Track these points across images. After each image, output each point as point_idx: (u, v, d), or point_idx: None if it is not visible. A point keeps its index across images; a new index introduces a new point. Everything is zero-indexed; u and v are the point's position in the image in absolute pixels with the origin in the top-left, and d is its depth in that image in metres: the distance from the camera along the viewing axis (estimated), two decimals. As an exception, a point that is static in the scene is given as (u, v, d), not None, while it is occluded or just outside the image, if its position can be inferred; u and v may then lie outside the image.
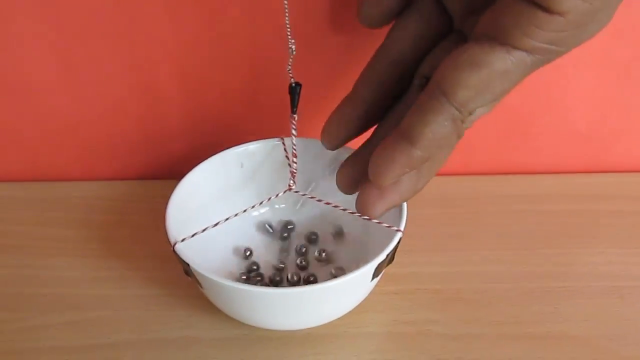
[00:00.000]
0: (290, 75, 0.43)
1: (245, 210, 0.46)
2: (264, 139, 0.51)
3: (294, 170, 0.46)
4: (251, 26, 0.52)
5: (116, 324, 0.47)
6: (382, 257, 0.41)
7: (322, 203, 0.45)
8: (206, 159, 0.50)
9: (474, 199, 0.58)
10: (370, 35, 0.44)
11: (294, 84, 0.44)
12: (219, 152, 0.50)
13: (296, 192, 0.46)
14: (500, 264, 0.52)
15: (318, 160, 0.51)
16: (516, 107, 0.58)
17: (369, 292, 0.45)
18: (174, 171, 0.58)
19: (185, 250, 0.42)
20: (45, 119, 0.57)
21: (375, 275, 0.42)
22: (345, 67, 0.54)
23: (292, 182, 0.46)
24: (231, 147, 0.51)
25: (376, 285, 0.46)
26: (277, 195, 0.46)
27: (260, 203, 0.47)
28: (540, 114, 0.58)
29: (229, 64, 0.54)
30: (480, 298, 0.49)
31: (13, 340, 0.46)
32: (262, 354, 0.45)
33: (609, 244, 0.53)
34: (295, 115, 0.44)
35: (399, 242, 0.43)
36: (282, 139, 0.50)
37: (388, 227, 0.43)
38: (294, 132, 0.45)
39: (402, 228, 0.43)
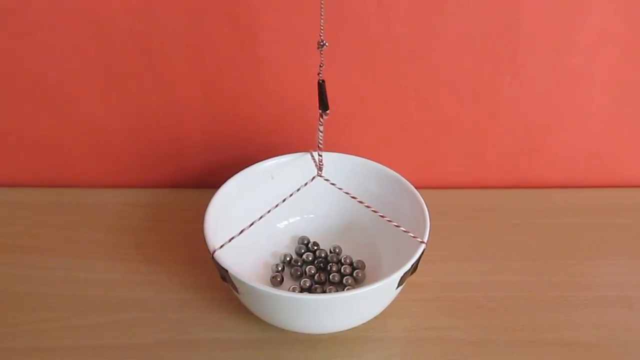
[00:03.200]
0: (320, 71, 0.44)
1: (277, 205, 0.48)
2: (293, 152, 0.54)
3: (321, 163, 0.48)
4: (280, 46, 0.55)
5: (153, 325, 0.49)
6: (407, 267, 0.43)
7: (348, 197, 0.48)
8: (236, 170, 0.52)
9: (491, 211, 0.61)
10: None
11: (320, 81, 0.44)
12: (251, 165, 0.53)
13: (326, 180, 0.49)
14: (516, 273, 0.54)
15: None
16: (530, 126, 0.60)
17: (393, 299, 0.47)
18: (202, 181, 0.61)
19: (223, 258, 0.44)
20: (83, 130, 0.60)
21: (400, 284, 0.44)
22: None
23: (319, 171, 0.48)
24: (261, 160, 0.53)
25: (399, 293, 0.49)
26: (305, 183, 0.49)
27: (291, 195, 0.49)
28: (553, 132, 0.61)
29: (259, 81, 0.57)
30: (497, 306, 0.51)
31: (54, 338, 0.48)
32: (291, 355, 0.47)
33: (619, 255, 0.56)
34: (323, 112, 0.45)
35: (422, 253, 0.45)
36: (311, 152, 0.53)
37: (414, 237, 0.45)
38: (320, 128, 0.47)
39: (425, 240, 0.46)
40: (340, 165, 0.53)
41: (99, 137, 0.61)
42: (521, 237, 0.58)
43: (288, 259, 0.54)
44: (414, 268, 0.45)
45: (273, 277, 0.52)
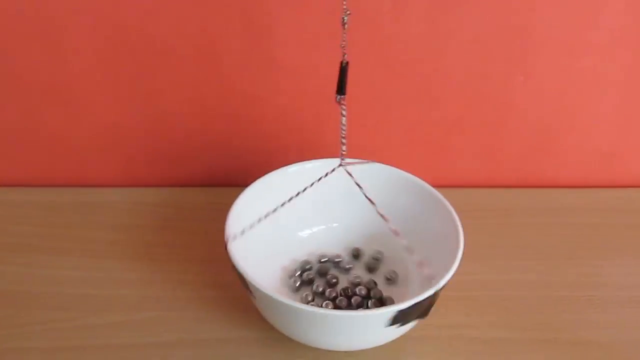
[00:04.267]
0: (343, 51, 0.42)
1: (298, 194, 0.47)
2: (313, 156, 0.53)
3: (344, 152, 0.47)
4: (295, 46, 0.55)
5: (166, 324, 0.49)
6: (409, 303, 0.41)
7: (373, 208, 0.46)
8: (249, 169, 0.53)
9: (502, 210, 0.61)
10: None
11: (344, 63, 0.42)
12: (277, 169, 0.52)
13: (348, 163, 0.47)
14: (529, 273, 0.54)
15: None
16: (541, 125, 0.61)
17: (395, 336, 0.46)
18: (214, 180, 0.62)
19: (243, 265, 0.43)
20: (95, 129, 0.61)
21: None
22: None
23: (343, 155, 0.46)
24: (278, 161, 0.53)
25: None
26: (333, 169, 0.47)
27: (318, 179, 0.48)
28: (564, 132, 0.61)
29: (273, 81, 0.57)
30: (510, 305, 0.51)
31: (69, 337, 0.48)
32: (308, 354, 0.47)
33: (630, 256, 0.56)
34: (342, 96, 0.43)
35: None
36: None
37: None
38: (343, 112, 0.45)
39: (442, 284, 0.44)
40: (371, 174, 0.51)
41: (112, 136, 0.61)
42: (532, 237, 0.58)
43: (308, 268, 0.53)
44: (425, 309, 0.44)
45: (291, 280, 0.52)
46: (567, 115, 0.60)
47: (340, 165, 0.47)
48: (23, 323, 0.49)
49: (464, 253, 0.55)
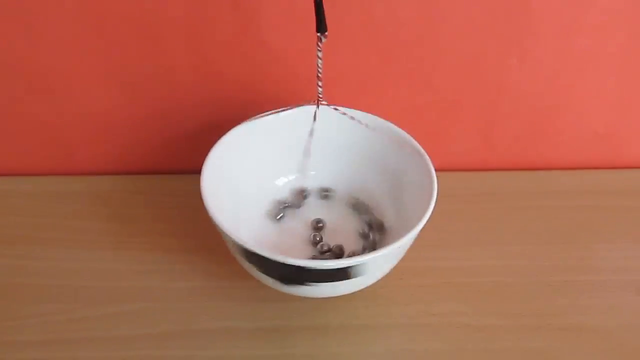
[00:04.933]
0: None
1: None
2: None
3: (321, 96, 0.48)
4: (283, 30, 0.54)
5: (161, 315, 0.49)
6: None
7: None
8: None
9: (495, 194, 0.61)
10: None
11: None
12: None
13: (326, 105, 0.48)
14: (521, 258, 0.54)
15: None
16: (536, 107, 0.60)
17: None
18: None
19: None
20: (83, 117, 0.60)
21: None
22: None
23: (320, 99, 0.47)
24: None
25: (403, 279, 0.50)
26: (311, 103, 0.48)
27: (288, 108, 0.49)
28: (559, 114, 0.61)
29: (262, 66, 0.57)
30: (503, 291, 0.51)
31: (64, 330, 0.48)
32: (301, 344, 0.47)
33: (625, 238, 0.56)
34: (321, 35, 0.43)
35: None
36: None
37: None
38: (319, 54, 0.45)
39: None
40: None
41: (100, 124, 0.60)
42: (526, 221, 0.58)
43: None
44: None
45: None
46: (562, 96, 0.59)
47: (317, 103, 0.47)
48: (16, 316, 0.49)
49: (456, 239, 0.56)
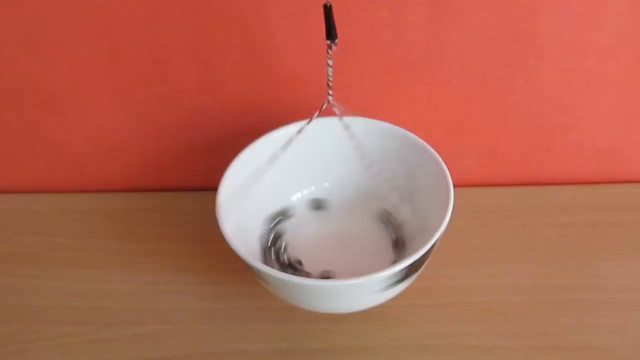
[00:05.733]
0: None
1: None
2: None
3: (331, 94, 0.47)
4: (291, 54, 0.55)
5: (175, 337, 0.50)
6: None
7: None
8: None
9: (499, 211, 0.61)
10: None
11: (327, 5, 0.41)
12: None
13: (335, 105, 0.48)
14: (526, 277, 0.55)
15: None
16: (541, 124, 0.61)
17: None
18: (216, 184, 0.62)
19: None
20: (94, 136, 0.61)
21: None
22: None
23: (330, 96, 0.47)
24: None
25: (413, 298, 0.50)
26: (319, 110, 0.48)
27: (309, 122, 0.49)
28: (563, 131, 0.61)
29: (270, 89, 0.57)
30: (509, 310, 0.52)
31: (82, 352, 0.49)
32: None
33: (629, 255, 0.57)
34: (331, 42, 0.43)
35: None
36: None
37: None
38: (329, 62, 0.45)
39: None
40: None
41: (110, 142, 0.61)
42: (531, 238, 0.58)
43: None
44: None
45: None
46: (567, 115, 0.60)
47: (328, 102, 0.47)
48: (32, 339, 0.50)
49: (463, 258, 0.56)
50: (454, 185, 0.47)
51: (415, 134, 0.52)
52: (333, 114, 0.49)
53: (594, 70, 0.57)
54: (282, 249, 0.52)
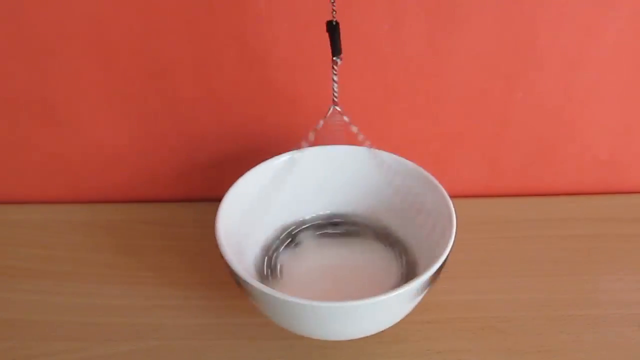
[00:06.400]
0: (334, 9, 0.41)
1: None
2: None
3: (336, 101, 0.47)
4: (290, 67, 0.54)
5: (172, 354, 0.50)
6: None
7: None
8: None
9: (498, 223, 0.61)
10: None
11: (334, 22, 0.41)
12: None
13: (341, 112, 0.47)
14: (525, 291, 0.55)
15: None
16: (540, 136, 0.60)
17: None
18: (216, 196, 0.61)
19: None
20: (92, 147, 0.60)
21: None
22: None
23: (335, 99, 0.46)
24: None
25: (411, 314, 0.50)
26: (325, 117, 0.47)
27: (316, 128, 0.49)
28: (563, 143, 0.61)
29: (269, 102, 0.57)
30: (507, 327, 0.52)
31: (78, 369, 0.49)
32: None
33: (628, 270, 0.57)
34: (337, 59, 0.43)
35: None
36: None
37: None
38: (335, 78, 0.44)
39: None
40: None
41: (107, 155, 0.61)
42: (530, 251, 0.58)
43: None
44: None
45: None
46: (566, 127, 0.60)
47: (334, 106, 0.46)
48: (28, 355, 0.49)
49: (462, 271, 0.56)
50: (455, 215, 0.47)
51: (405, 157, 0.51)
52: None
53: (593, 83, 0.56)
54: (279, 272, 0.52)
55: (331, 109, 0.47)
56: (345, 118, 0.48)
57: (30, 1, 0.50)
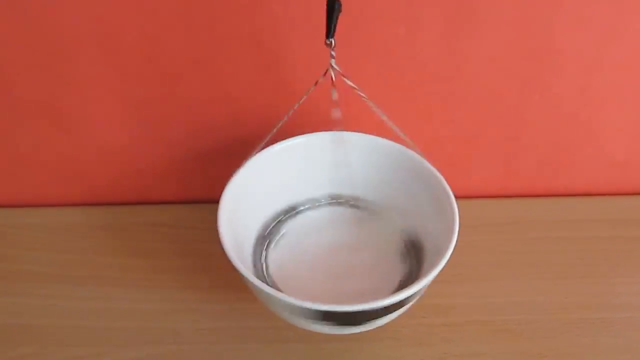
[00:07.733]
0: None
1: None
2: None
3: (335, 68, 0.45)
4: (305, 70, 0.54)
5: (189, 358, 0.50)
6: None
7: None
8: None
9: (514, 224, 0.61)
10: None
11: (337, 4, 0.39)
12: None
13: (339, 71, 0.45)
14: (541, 294, 0.55)
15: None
16: (557, 137, 0.60)
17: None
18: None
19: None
20: (104, 151, 0.60)
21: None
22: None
23: (332, 60, 0.44)
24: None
25: (428, 317, 0.50)
26: (316, 83, 0.46)
27: (314, 85, 0.47)
28: (579, 145, 0.61)
29: (284, 105, 0.56)
30: (523, 329, 0.52)
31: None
32: None
33: (642, 271, 0.57)
34: (331, 40, 0.41)
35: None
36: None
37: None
38: (332, 62, 0.43)
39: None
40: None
41: (120, 158, 0.61)
42: (546, 253, 0.58)
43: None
44: None
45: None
46: (583, 129, 0.59)
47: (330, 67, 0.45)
48: (47, 361, 0.50)
49: (477, 274, 0.56)
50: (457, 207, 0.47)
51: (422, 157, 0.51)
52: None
53: (610, 84, 0.56)
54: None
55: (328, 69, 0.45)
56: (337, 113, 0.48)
57: (42, 7, 0.50)
